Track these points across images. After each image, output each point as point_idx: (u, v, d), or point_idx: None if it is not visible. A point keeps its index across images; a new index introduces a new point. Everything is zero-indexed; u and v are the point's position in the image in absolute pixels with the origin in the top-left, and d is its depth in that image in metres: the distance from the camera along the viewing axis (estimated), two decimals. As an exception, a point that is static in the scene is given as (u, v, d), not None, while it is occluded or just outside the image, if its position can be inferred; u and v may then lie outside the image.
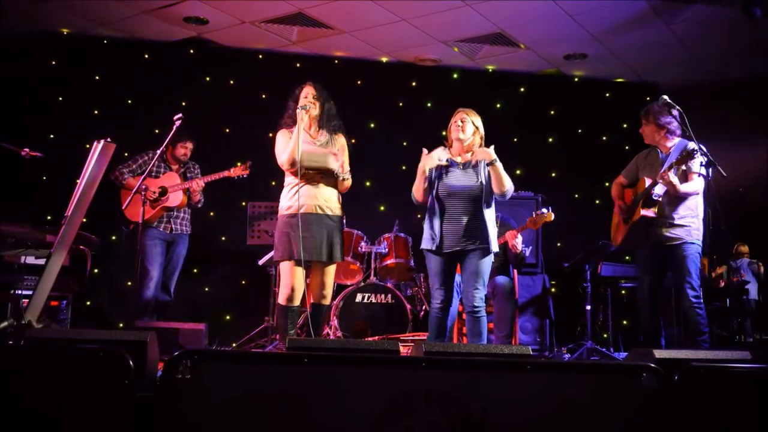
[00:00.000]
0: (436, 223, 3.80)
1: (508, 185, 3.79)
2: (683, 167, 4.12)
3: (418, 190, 3.86)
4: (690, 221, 4.20)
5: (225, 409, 1.91)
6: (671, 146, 4.32)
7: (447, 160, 3.86)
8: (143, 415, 1.92)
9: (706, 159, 3.91)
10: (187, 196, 5.12)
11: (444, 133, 4.08)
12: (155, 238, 5.05)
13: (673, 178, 4.06)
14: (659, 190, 4.17)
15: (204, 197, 5.24)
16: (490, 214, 3.85)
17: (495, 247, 3.83)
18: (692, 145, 4.02)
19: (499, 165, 3.73)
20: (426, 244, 3.84)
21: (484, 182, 3.82)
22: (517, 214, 5.46)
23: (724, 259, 6.22)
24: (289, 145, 3.77)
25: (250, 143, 6.13)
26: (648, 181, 4.22)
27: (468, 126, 3.85)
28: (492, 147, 3.79)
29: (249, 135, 6.29)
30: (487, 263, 3.82)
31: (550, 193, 6.12)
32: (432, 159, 3.80)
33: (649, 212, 4.21)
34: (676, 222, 4.20)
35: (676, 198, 4.19)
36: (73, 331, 2.87)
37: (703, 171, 4.05)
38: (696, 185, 4.17)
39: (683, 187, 4.12)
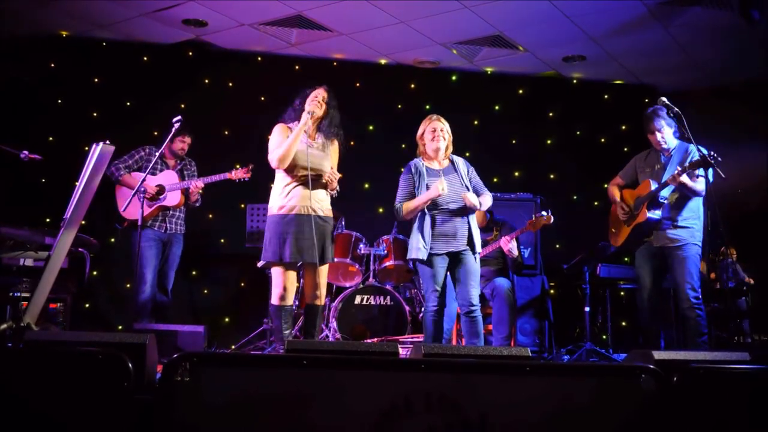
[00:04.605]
0: (426, 233, 3.85)
1: (488, 205, 4.04)
2: (694, 171, 4.15)
3: (413, 212, 3.93)
4: (693, 223, 4.24)
5: (224, 412, 1.91)
6: (672, 148, 4.34)
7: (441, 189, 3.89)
8: (142, 418, 1.91)
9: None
10: (185, 196, 5.08)
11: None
12: (150, 239, 4.97)
13: (685, 178, 4.10)
14: (665, 192, 4.21)
15: (202, 198, 5.20)
16: (474, 217, 3.98)
17: (479, 248, 3.94)
18: (693, 147, 4.07)
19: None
20: (415, 254, 3.86)
21: (469, 187, 3.97)
22: (516, 216, 5.47)
23: (714, 260, 6.23)
24: (284, 144, 3.74)
25: (249, 145, 6.13)
26: (654, 184, 4.25)
27: (445, 134, 3.99)
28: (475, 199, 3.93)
29: (248, 137, 6.28)
30: (478, 263, 3.91)
31: (548, 194, 6.13)
32: (436, 191, 3.83)
33: (655, 214, 4.24)
34: (680, 224, 4.23)
35: (681, 200, 4.24)
36: (72, 333, 2.86)
37: (702, 172, 4.08)
38: (702, 185, 4.20)
39: (693, 185, 4.16)
